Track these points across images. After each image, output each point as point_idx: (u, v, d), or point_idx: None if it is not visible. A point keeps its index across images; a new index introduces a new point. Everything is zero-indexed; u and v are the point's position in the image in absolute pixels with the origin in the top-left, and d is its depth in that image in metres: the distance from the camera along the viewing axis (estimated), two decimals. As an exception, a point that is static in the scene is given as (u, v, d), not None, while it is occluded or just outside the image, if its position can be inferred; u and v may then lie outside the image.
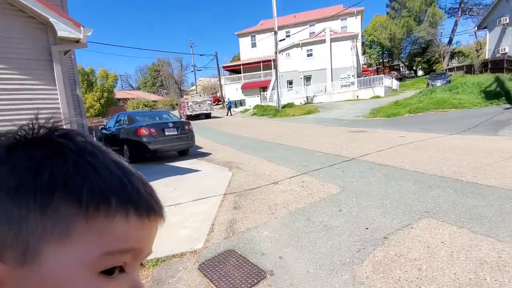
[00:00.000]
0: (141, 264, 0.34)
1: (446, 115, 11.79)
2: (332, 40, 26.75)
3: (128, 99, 42.03)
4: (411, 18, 34.36)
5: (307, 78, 28.34)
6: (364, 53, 40.33)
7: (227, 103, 29.65)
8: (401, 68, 43.86)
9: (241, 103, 33.80)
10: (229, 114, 28.04)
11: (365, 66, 40.58)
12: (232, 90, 35.80)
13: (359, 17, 32.18)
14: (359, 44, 31.92)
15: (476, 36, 36.50)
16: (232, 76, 38.32)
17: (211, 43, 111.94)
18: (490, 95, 13.13)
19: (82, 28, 4.26)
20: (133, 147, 7.84)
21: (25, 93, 4.08)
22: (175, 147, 8.34)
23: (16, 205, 0.27)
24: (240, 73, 35.96)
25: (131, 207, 0.30)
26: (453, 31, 36.70)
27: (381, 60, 43.92)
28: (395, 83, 29.05)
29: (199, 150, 9.59)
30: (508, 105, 11.37)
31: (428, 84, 22.36)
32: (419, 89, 21.69)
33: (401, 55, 42.48)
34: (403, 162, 5.48)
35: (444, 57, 34.79)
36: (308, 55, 28.17)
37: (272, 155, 7.47)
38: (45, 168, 0.28)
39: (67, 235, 0.27)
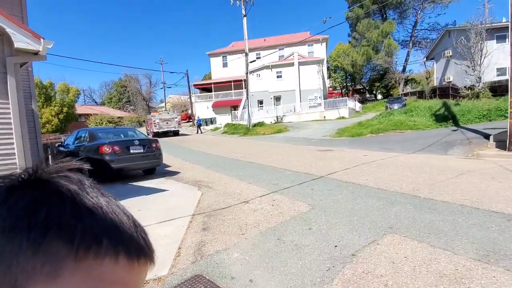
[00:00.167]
0: None
1: (403, 135, 12.77)
2: (300, 63, 28.22)
3: (91, 114, 39.84)
4: (370, 48, 37.64)
5: (277, 98, 29.25)
6: (329, 76, 43.00)
7: (196, 120, 29.37)
8: (365, 92, 47.25)
9: (212, 121, 33.71)
10: (199, 132, 27.72)
11: (330, 89, 43.13)
12: (203, 108, 35.66)
13: (324, 44, 34.63)
14: (324, 69, 34.09)
15: (425, 66, 41.05)
16: (203, 94, 38.32)
17: (182, 62, 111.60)
18: (440, 118, 14.56)
19: (42, 40, 4.02)
20: (94, 165, 7.32)
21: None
22: (141, 166, 7.96)
23: (10, 244, 0.27)
24: (211, 91, 36.12)
25: (121, 250, 0.30)
26: (406, 60, 40.94)
27: (345, 84, 47.04)
28: (358, 105, 31.12)
29: (166, 168, 9.25)
30: (454, 127, 12.66)
31: (386, 107, 24.27)
32: (379, 111, 23.45)
33: (362, 80, 45.96)
34: (367, 180, 5.75)
35: (399, 83, 38.25)
36: (277, 77, 29.29)
37: (243, 173, 7.43)
38: (41, 208, 0.28)
39: (56, 275, 0.27)
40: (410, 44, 40.20)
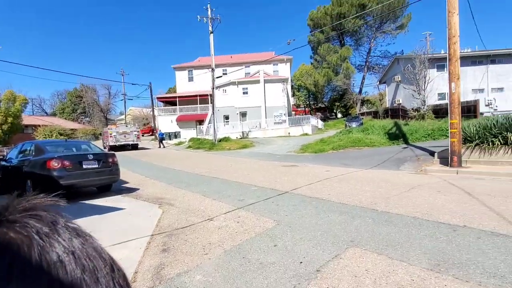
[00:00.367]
0: None
1: (361, 152, 13.60)
2: (265, 81, 29.06)
3: (40, 126, 36.28)
4: (330, 70, 40.27)
5: (243, 114, 29.53)
6: (293, 95, 44.82)
7: (158, 134, 28.27)
8: (326, 110, 50.00)
9: (176, 135, 32.72)
10: (161, 146, 26.63)
11: (295, 106, 44.86)
12: (167, 122, 34.57)
13: (288, 64, 36.28)
14: (289, 87, 35.52)
15: (378, 89, 45.09)
16: (167, 107, 37.30)
17: (146, 74, 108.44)
18: (392, 136, 15.85)
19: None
20: (39, 182, 6.57)
21: None
22: (95, 183, 7.32)
23: None
24: (176, 105, 35.32)
25: None
26: (362, 83, 44.61)
27: (308, 102, 49.35)
28: (320, 123, 32.73)
29: (124, 185, 8.63)
30: (405, 145, 13.84)
31: (346, 125, 25.87)
32: (339, 129, 24.87)
33: (324, 99, 48.68)
34: (330, 195, 5.93)
35: (356, 103, 41.26)
36: (244, 93, 29.72)
37: (208, 189, 7.21)
38: (4, 257, 0.26)
39: None
40: (365, 69, 44.02)
